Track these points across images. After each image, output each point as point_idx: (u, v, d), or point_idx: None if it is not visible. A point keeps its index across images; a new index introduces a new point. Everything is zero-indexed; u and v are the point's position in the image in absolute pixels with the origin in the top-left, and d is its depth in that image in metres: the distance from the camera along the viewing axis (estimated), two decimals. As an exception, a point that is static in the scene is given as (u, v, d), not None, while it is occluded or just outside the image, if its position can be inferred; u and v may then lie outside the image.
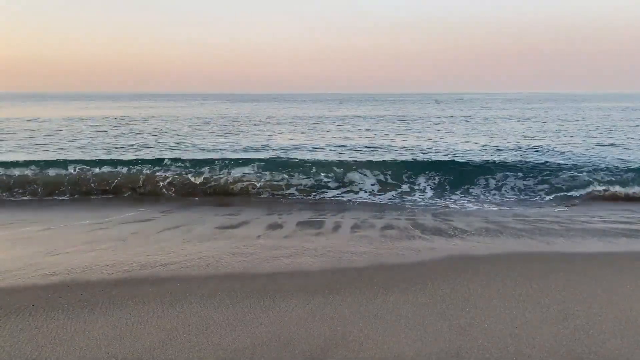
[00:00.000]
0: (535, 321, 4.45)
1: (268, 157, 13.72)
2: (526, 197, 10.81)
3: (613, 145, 18.27)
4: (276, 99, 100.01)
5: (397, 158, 14.02)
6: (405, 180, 11.67)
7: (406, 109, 50.14)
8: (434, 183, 11.60)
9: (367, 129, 25.34)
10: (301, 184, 11.42)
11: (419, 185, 11.46)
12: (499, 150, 16.68)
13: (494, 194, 10.89)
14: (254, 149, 16.79)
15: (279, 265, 6.05)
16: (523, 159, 13.71)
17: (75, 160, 12.80)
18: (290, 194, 11.02)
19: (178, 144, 18.54)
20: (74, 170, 11.81)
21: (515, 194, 10.91)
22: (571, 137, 21.19)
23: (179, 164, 12.41)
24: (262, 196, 11.05)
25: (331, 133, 23.34)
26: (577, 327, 4.34)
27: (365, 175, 11.64)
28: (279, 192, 11.04)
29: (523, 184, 11.34)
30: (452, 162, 13.18)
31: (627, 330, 4.28)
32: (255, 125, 27.96)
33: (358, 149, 16.88)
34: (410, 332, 4.24)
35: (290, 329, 4.29)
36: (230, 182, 11.51)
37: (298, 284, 5.37)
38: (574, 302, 4.88)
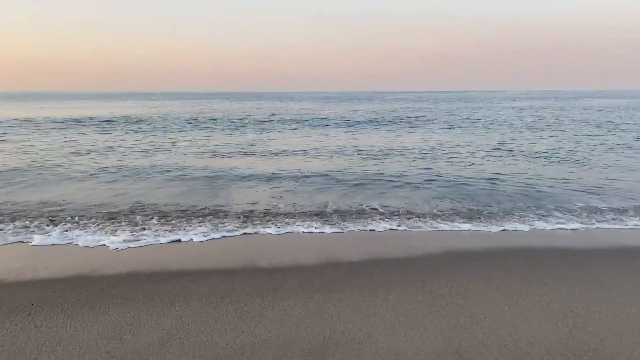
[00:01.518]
0: (535, 319, 4.45)
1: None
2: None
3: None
4: (300, 97, 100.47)
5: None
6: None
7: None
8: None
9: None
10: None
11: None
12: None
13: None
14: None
15: (278, 263, 6.06)
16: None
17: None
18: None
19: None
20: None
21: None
22: None
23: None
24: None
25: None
26: (576, 324, 4.34)
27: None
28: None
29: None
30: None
31: (626, 328, 4.28)
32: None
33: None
34: (410, 330, 4.24)
35: (290, 327, 4.29)
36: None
37: (298, 283, 5.37)
38: (573, 299, 4.88)
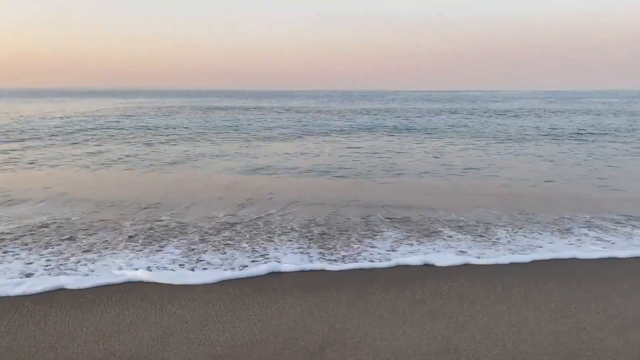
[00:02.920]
0: (533, 318, 4.45)
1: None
2: None
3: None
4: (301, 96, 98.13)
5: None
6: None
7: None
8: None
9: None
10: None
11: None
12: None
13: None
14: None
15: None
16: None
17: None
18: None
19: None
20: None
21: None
22: None
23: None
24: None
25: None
26: (574, 324, 4.34)
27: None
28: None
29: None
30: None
31: (624, 328, 4.29)
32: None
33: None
34: (408, 329, 4.25)
35: (289, 326, 4.29)
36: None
37: (296, 281, 5.37)
38: (572, 299, 4.88)
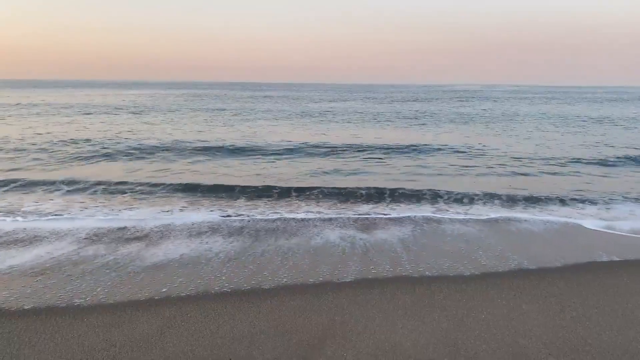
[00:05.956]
0: (532, 312, 4.47)
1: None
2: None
3: None
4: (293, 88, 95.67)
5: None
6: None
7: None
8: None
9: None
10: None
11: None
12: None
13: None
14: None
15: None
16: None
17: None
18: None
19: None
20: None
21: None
22: None
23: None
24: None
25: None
26: (573, 319, 4.36)
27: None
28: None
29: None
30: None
31: (623, 323, 4.30)
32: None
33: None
34: (408, 322, 4.26)
35: (289, 318, 4.30)
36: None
37: (296, 273, 5.38)
38: (570, 294, 4.90)
